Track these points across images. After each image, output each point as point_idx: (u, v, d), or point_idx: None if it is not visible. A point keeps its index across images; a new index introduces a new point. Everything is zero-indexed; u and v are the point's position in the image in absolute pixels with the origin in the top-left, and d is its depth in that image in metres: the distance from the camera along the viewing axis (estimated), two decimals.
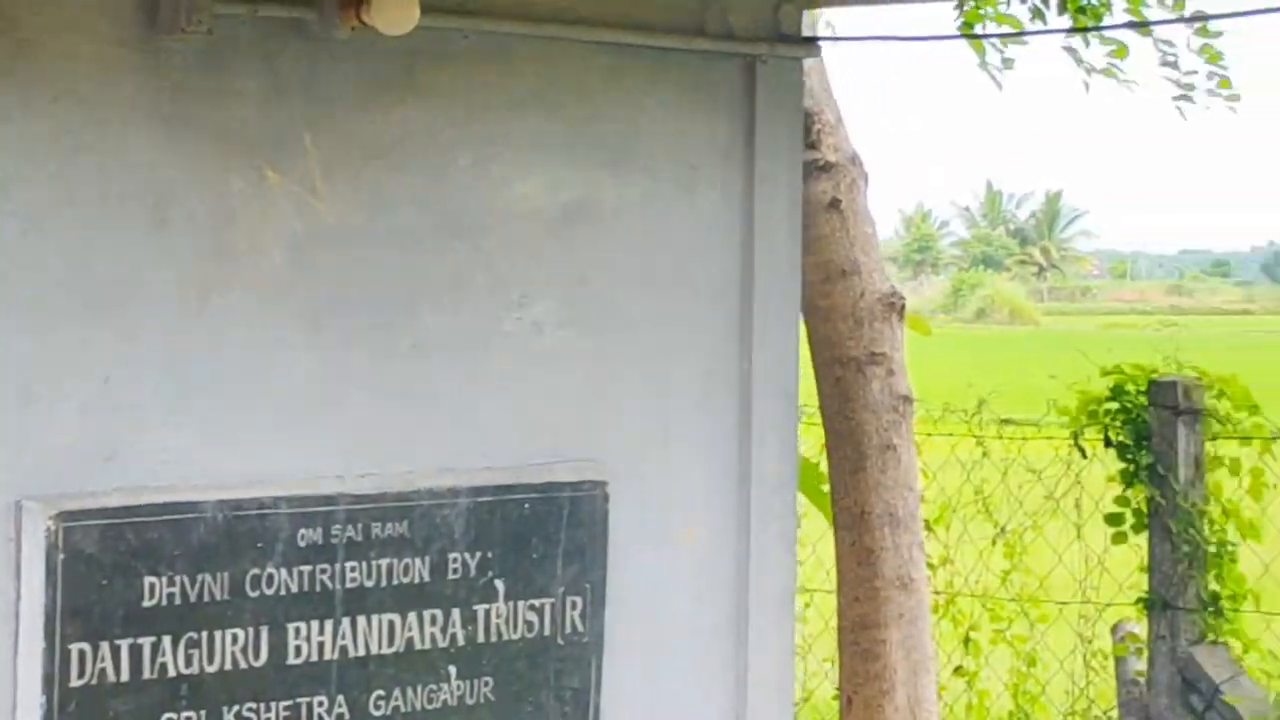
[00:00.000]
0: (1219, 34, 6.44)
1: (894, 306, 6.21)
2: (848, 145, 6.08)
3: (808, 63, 5.27)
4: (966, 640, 8.78)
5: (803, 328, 6.11)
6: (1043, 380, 8.08)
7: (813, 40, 5.13)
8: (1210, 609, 7.70)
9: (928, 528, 8.74)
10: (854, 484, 6.37)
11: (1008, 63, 6.43)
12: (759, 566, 4.87)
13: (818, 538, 8.55)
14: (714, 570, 4.83)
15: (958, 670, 8.81)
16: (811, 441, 7.38)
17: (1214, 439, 7.69)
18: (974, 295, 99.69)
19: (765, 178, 4.82)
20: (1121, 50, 6.51)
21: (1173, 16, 6.38)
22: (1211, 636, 7.72)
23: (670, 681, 4.78)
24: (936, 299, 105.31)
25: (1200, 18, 6.35)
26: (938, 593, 8.76)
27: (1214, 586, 7.69)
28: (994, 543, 8.57)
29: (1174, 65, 6.51)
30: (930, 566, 8.76)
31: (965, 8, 6.40)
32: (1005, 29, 6.34)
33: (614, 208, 4.64)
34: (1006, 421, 8.46)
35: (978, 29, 6.32)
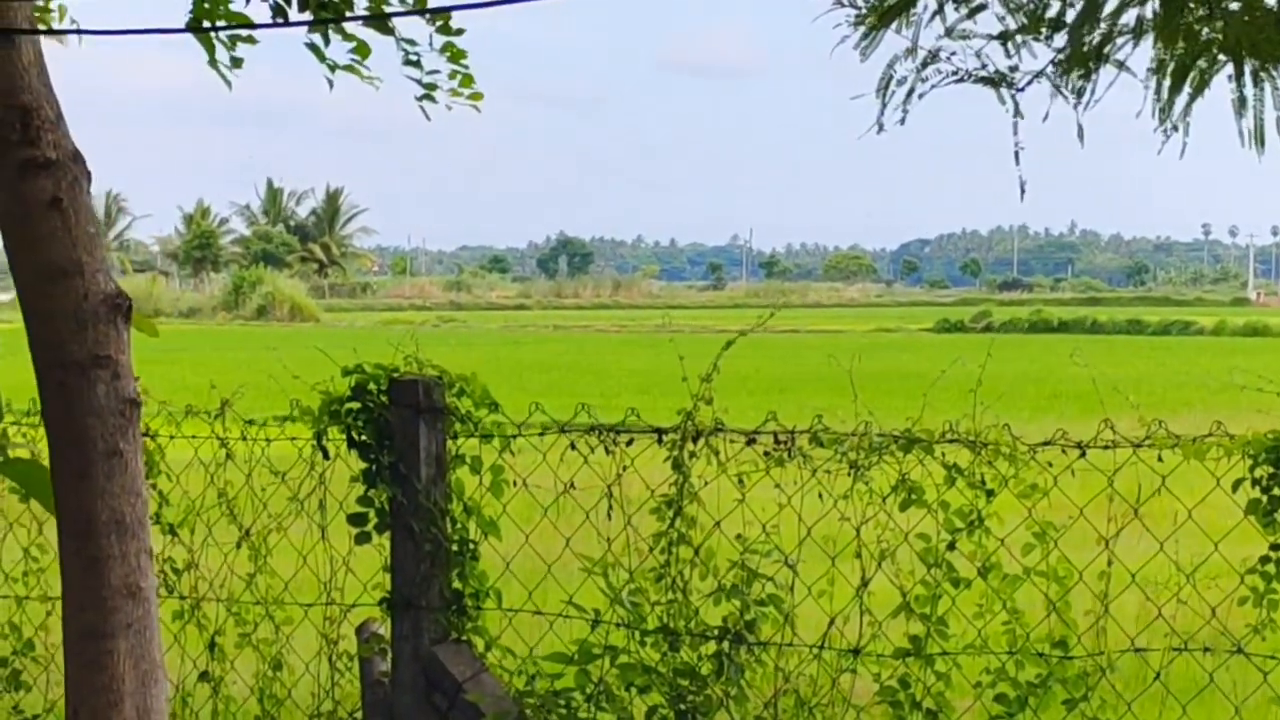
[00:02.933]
0: (460, 32, 6.50)
1: (119, 308, 5.96)
2: (68, 142, 5.81)
3: (26, 58, 5.05)
4: (212, 646, 8.61)
5: (25, 331, 5.85)
6: (294, 380, 7.96)
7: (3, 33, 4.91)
8: (453, 608, 7.76)
9: (172, 532, 8.54)
10: (79, 490, 6.08)
11: (237, 61, 6.32)
12: None
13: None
14: None
15: (203, 676, 8.63)
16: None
17: (455, 437, 7.74)
18: (255, 293, 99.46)
19: None
20: (363, 48, 6.49)
21: (408, 10, 6.40)
22: (455, 635, 7.79)
23: None
24: (218, 296, 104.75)
25: (442, 9, 6.39)
26: (182, 598, 8.55)
27: (456, 585, 7.76)
28: (239, 546, 8.42)
29: (416, 64, 6.54)
30: (175, 572, 8.55)
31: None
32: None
33: None
34: (250, 422, 8.31)
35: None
